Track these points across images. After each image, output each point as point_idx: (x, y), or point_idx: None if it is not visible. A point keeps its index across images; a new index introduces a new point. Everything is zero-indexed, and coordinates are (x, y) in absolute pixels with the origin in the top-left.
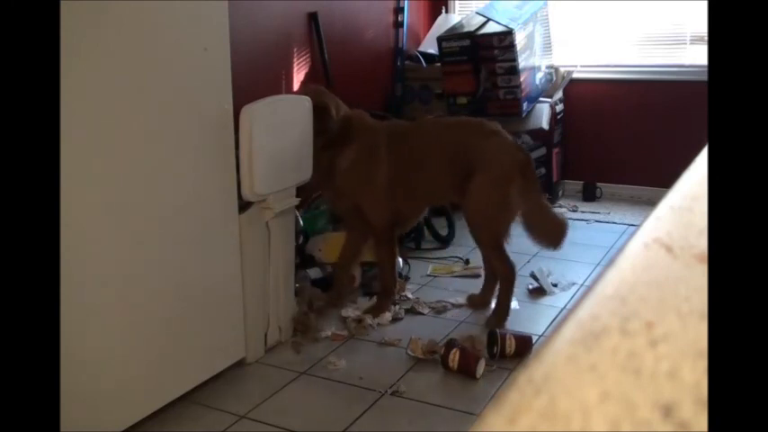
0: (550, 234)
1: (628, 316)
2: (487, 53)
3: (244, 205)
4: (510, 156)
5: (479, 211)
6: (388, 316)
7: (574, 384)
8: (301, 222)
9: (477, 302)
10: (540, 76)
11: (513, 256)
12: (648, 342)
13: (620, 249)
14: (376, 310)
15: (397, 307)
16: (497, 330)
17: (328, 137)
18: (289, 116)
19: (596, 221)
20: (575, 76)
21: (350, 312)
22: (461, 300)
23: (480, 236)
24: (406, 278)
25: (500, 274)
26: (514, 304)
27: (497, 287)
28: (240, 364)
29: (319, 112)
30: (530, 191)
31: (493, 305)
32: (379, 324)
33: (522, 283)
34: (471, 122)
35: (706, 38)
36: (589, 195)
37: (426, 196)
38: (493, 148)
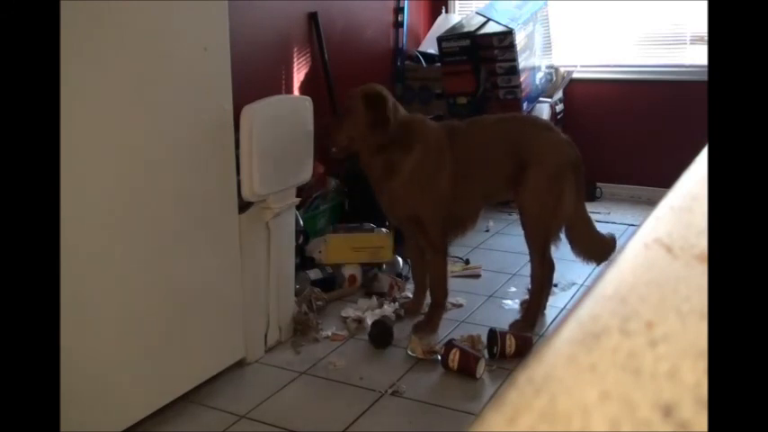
0: (593, 249)
1: (628, 316)
2: (487, 53)
3: (244, 205)
4: (564, 152)
5: (534, 206)
6: (367, 322)
7: (574, 384)
8: (301, 222)
9: (409, 309)
10: (540, 76)
11: (513, 256)
12: (648, 342)
13: (620, 249)
14: (428, 327)
15: (397, 304)
16: (497, 330)
17: (387, 136)
18: (289, 116)
19: (596, 221)
20: (575, 76)
21: (350, 312)
22: (461, 300)
23: (533, 235)
24: (406, 278)
25: (536, 278)
26: (512, 304)
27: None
28: (240, 364)
29: (373, 100)
30: (578, 192)
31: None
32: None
33: (521, 283)
34: (524, 117)
35: (706, 38)
36: (589, 195)
37: (483, 195)
38: (547, 143)
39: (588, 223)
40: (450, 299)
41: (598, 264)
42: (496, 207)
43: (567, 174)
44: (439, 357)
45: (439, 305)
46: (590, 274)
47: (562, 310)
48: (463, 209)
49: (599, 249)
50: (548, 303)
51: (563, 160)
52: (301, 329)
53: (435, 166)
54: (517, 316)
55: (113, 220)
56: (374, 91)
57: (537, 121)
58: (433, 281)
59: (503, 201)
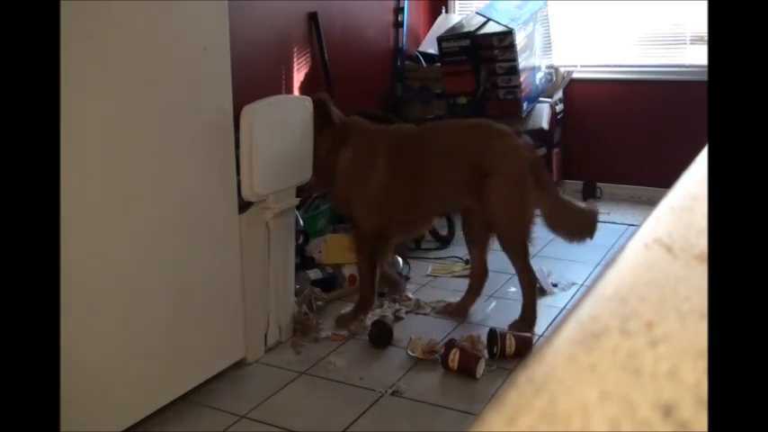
0: (579, 226)
1: (628, 316)
2: (487, 53)
3: (244, 205)
4: (522, 157)
5: (503, 216)
6: (366, 322)
7: (574, 384)
8: (301, 222)
9: (454, 311)
10: (540, 76)
11: None
12: (648, 342)
13: (620, 249)
14: (347, 319)
15: (397, 305)
16: (497, 330)
17: (331, 138)
18: (289, 116)
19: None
20: (575, 76)
21: None
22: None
23: (508, 245)
24: (407, 278)
25: (525, 281)
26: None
27: (477, 298)
28: (240, 364)
29: (318, 106)
30: (544, 190)
31: (471, 313)
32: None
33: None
34: (480, 124)
35: (706, 38)
36: (589, 195)
37: (435, 206)
38: (505, 149)
39: (567, 207)
40: (451, 299)
41: (589, 238)
42: None
43: (527, 178)
44: (439, 357)
45: (365, 302)
46: (590, 274)
47: (562, 310)
48: (413, 213)
49: (585, 224)
50: (542, 302)
51: (522, 165)
52: (301, 329)
53: (366, 167)
54: (515, 315)
55: (113, 220)
56: (315, 98)
57: (493, 128)
58: (360, 278)
59: (465, 208)
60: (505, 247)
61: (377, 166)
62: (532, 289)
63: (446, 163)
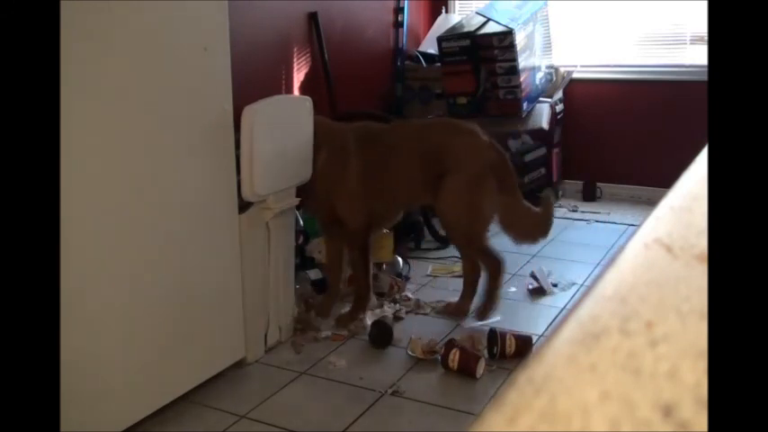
0: (530, 229)
1: (628, 316)
2: (487, 53)
3: (244, 205)
4: (482, 156)
5: (452, 212)
6: (366, 322)
7: (574, 384)
8: (301, 222)
9: (454, 311)
10: (540, 76)
11: (513, 257)
12: (648, 342)
13: (620, 249)
14: (347, 319)
15: (397, 305)
16: (497, 330)
17: None
18: (289, 116)
19: (596, 221)
20: (575, 76)
21: None
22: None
23: (455, 236)
24: (406, 278)
25: (487, 268)
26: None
27: (475, 295)
28: (240, 364)
29: None
30: (507, 195)
31: (471, 314)
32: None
33: (521, 283)
34: (445, 122)
35: (706, 38)
36: (589, 195)
37: (399, 198)
38: (465, 147)
39: (525, 214)
40: (451, 299)
41: (538, 240)
42: None
43: (486, 178)
44: (439, 357)
45: (362, 299)
46: (590, 274)
47: (562, 310)
48: (378, 209)
49: (539, 228)
50: (542, 302)
51: (481, 164)
52: (301, 329)
53: (342, 164)
54: (517, 315)
55: (113, 221)
56: None
57: (456, 127)
58: (354, 275)
59: (428, 204)
60: (457, 246)
61: (352, 162)
62: (495, 274)
63: (408, 159)
